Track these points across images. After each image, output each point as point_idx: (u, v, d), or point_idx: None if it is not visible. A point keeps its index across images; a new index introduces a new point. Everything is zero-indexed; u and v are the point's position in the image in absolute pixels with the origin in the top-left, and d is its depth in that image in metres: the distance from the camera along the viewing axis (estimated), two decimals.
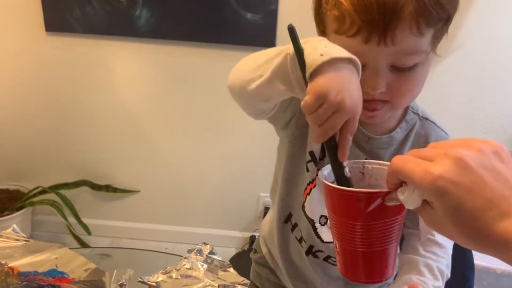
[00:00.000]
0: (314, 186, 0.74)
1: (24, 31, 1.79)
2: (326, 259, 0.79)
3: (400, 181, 0.41)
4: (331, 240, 0.74)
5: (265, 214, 2.05)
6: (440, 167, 0.36)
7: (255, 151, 1.86)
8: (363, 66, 0.55)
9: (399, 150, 0.73)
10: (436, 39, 0.61)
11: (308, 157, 0.73)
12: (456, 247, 0.94)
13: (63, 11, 1.73)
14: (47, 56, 1.84)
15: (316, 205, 0.75)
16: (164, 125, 1.95)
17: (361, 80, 0.54)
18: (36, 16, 1.75)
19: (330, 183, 0.50)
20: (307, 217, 0.77)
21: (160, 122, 1.96)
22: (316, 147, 0.72)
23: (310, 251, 0.80)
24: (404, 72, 0.60)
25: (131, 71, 1.88)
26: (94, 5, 1.72)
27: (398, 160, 0.40)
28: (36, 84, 1.89)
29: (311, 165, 0.73)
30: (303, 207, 0.77)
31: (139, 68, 1.88)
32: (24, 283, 0.66)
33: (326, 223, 0.75)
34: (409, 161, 0.39)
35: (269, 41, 1.74)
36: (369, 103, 0.62)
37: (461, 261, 0.93)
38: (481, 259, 1.57)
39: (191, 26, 1.75)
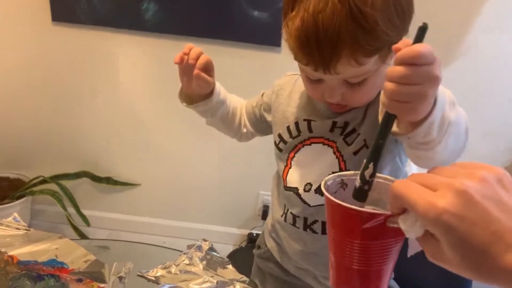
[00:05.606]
0: (293, 157, 0.83)
1: (30, 21, 1.79)
2: (324, 231, 0.81)
3: (403, 206, 0.40)
4: (318, 203, 0.79)
5: (264, 212, 2.06)
6: (444, 200, 0.35)
7: (257, 149, 1.86)
8: (320, 80, 0.69)
9: None
10: (383, 58, 0.65)
11: (278, 139, 0.85)
12: (452, 276, 0.94)
13: (70, 2, 1.73)
14: (52, 46, 1.83)
15: (298, 173, 0.82)
16: (166, 120, 1.96)
17: (320, 91, 0.70)
18: (43, 5, 1.74)
19: (333, 193, 0.49)
20: (290, 188, 0.82)
21: (163, 117, 1.96)
22: (283, 130, 0.84)
23: (306, 224, 0.82)
24: (357, 84, 0.67)
25: (135, 65, 1.88)
26: None
27: (400, 185, 0.39)
28: (40, 74, 1.89)
29: (282, 145, 0.85)
30: (285, 181, 0.83)
31: (143, 62, 1.87)
32: (23, 272, 0.66)
33: (310, 189, 0.80)
34: (412, 189, 0.38)
35: (275, 39, 1.74)
36: (331, 103, 0.73)
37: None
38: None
39: (197, 21, 1.74)
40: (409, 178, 0.40)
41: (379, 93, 0.71)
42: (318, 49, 0.61)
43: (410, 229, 0.39)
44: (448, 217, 0.35)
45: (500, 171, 0.38)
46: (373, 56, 0.62)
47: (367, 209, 0.49)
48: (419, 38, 0.45)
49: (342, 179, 0.52)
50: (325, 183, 0.50)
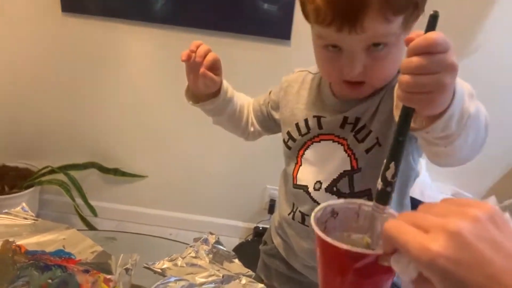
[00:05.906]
0: (303, 155, 0.82)
1: (40, 11, 1.80)
2: None
3: (395, 247, 0.39)
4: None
5: (270, 206, 2.05)
6: (438, 244, 0.34)
7: (264, 143, 1.86)
8: (340, 50, 0.66)
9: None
10: (407, 23, 0.64)
11: (286, 136, 0.84)
12: None
13: None
14: (62, 36, 1.84)
15: (308, 171, 0.81)
16: (174, 112, 1.95)
17: (339, 64, 0.67)
18: None
19: (324, 222, 0.47)
20: (300, 186, 0.81)
21: (171, 110, 1.95)
22: (292, 128, 0.83)
23: None
24: (378, 53, 0.65)
25: (144, 56, 1.88)
26: None
27: (392, 227, 0.38)
28: (49, 64, 1.90)
29: (295, 136, 0.83)
30: (295, 179, 0.82)
31: (152, 54, 1.87)
32: (31, 261, 0.66)
33: (320, 188, 0.79)
34: (404, 230, 0.37)
35: (284, 32, 1.72)
36: (348, 83, 0.70)
37: None
38: None
39: (207, 14, 1.74)
40: (400, 217, 0.39)
41: (392, 88, 0.69)
42: (347, 2, 0.60)
43: (404, 271, 0.38)
44: (442, 261, 0.34)
45: (492, 209, 0.37)
46: (400, 15, 0.61)
47: (357, 238, 0.48)
48: (431, 26, 0.44)
49: (332, 208, 0.50)
50: (315, 215, 0.47)
